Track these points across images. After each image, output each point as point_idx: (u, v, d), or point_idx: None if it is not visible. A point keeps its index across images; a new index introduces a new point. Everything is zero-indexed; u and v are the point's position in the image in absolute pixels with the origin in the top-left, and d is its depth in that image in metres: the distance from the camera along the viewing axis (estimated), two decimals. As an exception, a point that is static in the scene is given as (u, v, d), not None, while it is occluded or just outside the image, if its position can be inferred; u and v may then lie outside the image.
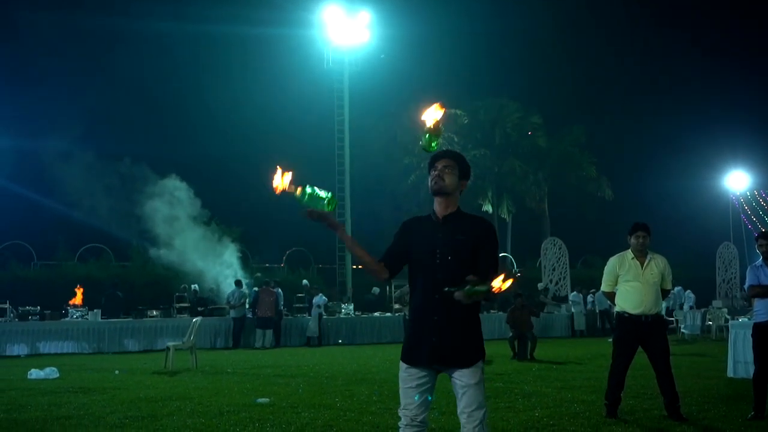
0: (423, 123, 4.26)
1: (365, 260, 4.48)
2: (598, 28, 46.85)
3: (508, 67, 43.03)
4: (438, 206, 4.34)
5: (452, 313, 4.14)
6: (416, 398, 4.18)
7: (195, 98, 36.95)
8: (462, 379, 4.14)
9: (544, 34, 44.93)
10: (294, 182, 4.27)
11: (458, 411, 4.18)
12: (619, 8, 47.58)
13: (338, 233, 4.60)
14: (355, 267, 28.96)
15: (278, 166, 4.24)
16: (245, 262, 24.96)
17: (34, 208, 28.15)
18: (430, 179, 4.34)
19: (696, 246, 35.86)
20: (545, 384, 11.22)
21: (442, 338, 4.17)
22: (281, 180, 4.24)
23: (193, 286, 22.39)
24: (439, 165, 4.30)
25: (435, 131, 4.24)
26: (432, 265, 4.22)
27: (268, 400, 9.51)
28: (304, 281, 24.53)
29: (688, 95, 47.19)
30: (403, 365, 4.27)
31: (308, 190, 4.29)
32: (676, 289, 24.50)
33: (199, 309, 21.41)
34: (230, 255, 24.38)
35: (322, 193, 4.33)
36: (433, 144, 4.25)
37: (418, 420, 4.17)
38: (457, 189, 4.34)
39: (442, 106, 4.29)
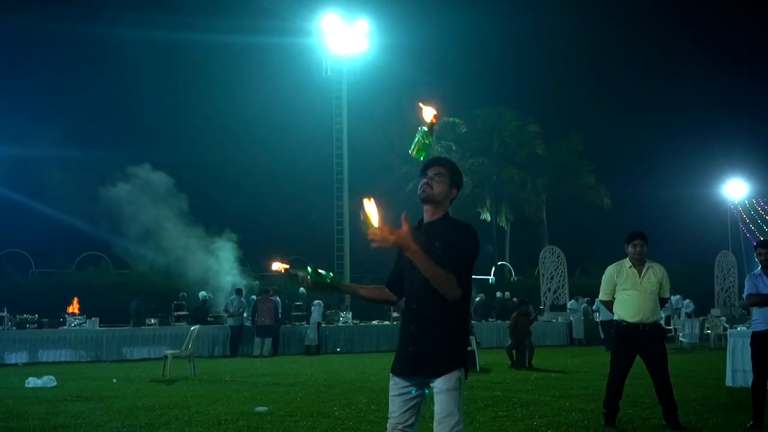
0: (425, 121, 4.13)
1: (370, 296, 4.61)
2: (597, 37, 46.93)
3: (506, 76, 43.14)
4: (425, 214, 4.25)
5: (428, 323, 4.07)
6: (413, 392, 4.12)
7: (194, 107, 37.03)
8: (436, 385, 4.04)
9: (541, 43, 45.06)
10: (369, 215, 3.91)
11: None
12: (617, 18, 47.71)
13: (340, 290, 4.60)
14: (353, 276, 28.96)
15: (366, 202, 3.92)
16: (243, 269, 24.94)
17: (32, 216, 28.13)
18: (419, 186, 4.26)
19: (694, 254, 35.91)
20: (543, 393, 11.22)
21: (417, 347, 4.10)
22: (369, 215, 3.89)
23: (201, 293, 22.35)
24: (430, 173, 4.21)
25: (429, 133, 4.14)
26: (411, 273, 4.14)
27: (266, 408, 9.50)
28: (301, 289, 24.49)
29: (686, 104, 47.34)
30: (390, 374, 4.27)
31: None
32: (674, 297, 24.49)
33: (209, 319, 21.41)
34: (228, 262, 24.35)
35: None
36: (422, 153, 4.12)
37: (399, 428, 4.12)
38: (447, 197, 4.23)
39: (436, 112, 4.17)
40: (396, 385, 4.17)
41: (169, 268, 24.46)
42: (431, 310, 4.06)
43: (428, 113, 4.14)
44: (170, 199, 24.10)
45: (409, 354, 4.13)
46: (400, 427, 4.12)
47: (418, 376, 4.12)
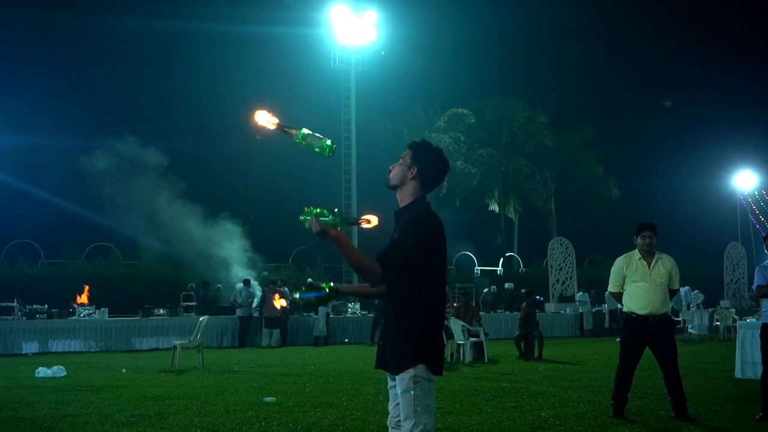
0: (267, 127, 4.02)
1: (371, 292, 4.36)
2: (605, 28, 46.72)
3: (515, 66, 42.95)
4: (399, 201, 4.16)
5: (388, 316, 4.01)
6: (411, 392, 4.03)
7: (201, 97, 36.97)
8: (396, 386, 3.97)
9: (550, 33, 44.89)
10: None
11: None
12: (626, 7, 47.47)
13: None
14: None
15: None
16: (251, 260, 24.96)
17: (40, 206, 28.19)
18: None
19: (703, 246, 35.79)
20: (552, 384, 11.22)
21: (384, 342, 4.08)
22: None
23: (218, 285, 22.41)
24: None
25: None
26: None
27: (274, 399, 9.53)
28: (309, 280, 24.48)
29: (695, 94, 47.10)
30: None
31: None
32: (683, 289, 24.43)
33: (227, 305, 21.46)
34: (236, 253, 24.39)
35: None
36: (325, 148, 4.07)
37: (393, 422, 4.08)
38: (406, 179, 4.08)
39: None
40: (388, 380, 4.15)
41: (177, 258, 24.54)
42: (390, 304, 3.99)
43: (268, 121, 4.03)
44: (173, 187, 24.18)
45: (379, 347, 4.12)
46: (393, 421, 4.08)
47: (384, 370, 4.08)
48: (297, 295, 4.23)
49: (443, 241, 4.03)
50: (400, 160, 4.13)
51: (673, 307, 23.27)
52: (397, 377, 3.93)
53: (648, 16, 49.58)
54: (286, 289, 21.55)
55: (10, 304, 18.95)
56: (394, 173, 4.11)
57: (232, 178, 35.82)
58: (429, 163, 4.10)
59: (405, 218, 4.00)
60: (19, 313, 18.95)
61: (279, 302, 4.15)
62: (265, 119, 4.02)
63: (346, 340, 21.76)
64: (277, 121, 4.04)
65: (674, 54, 49.96)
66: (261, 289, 21.92)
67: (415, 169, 4.06)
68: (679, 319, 23.44)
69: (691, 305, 25.56)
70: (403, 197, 4.10)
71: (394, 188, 4.13)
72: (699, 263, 32.67)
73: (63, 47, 36.50)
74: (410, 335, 3.93)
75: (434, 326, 3.99)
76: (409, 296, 3.93)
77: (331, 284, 4.21)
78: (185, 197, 24.56)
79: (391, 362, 3.99)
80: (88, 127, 30.49)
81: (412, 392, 3.87)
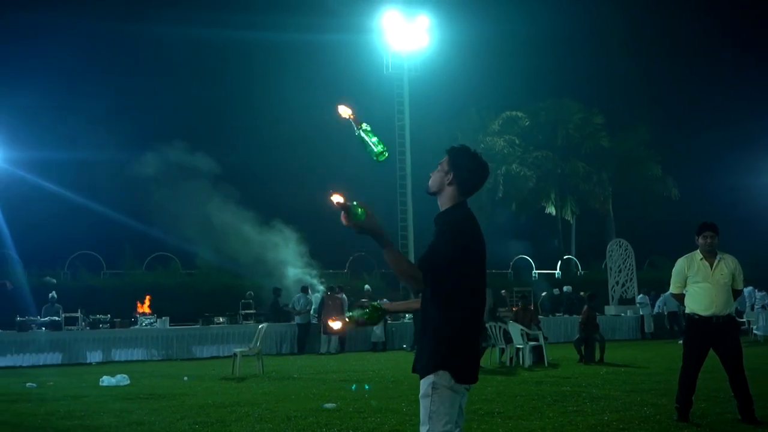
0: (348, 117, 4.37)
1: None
2: (661, 26, 46.02)
3: (569, 68, 42.51)
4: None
5: (422, 323, 4.00)
6: None
7: (255, 105, 37.33)
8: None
9: (605, 33, 44.31)
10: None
11: None
12: (681, 5, 46.71)
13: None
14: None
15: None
16: (309, 266, 25.11)
17: (101, 218, 28.71)
18: None
19: (767, 244, 34.97)
20: (614, 387, 11.08)
21: (418, 346, 4.10)
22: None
23: (274, 287, 22.61)
24: None
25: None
26: None
27: (334, 405, 9.57)
28: (366, 286, 24.54)
29: (755, 90, 46.06)
30: None
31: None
32: (746, 289, 23.89)
33: (289, 310, 21.54)
34: (294, 259, 24.54)
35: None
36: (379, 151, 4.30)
37: None
38: (443, 185, 4.07)
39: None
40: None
41: (235, 267, 24.78)
42: (424, 310, 3.99)
43: (345, 111, 4.35)
44: (226, 195, 24.45)
45: (417, 352, 4.13)
46: None
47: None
48: (350, 314, 4.31)
49: (481, 247, 3.97)
50: (439, 167, 4.14)
51: (737, 308, 22.92)
52: (421, 381, 3.92)
53: (704, 12, 48.72)
54: (344, 295, 21.66)
55: (74, 314, 19.34)
56: (433, 180, 4.14)
57: (286, 186, 36.03)
58: (465, 167, 4.09)
59: (441, 223, 4.00)
60: (83, 323, 19.34)
61: (334, 324, 4.11)
62: (344, 110, 4.39)
63: (404, 346, 21.74)
64: (350, 113, 4.36)
65: (731, 50, 48.99)
66: (316, 296, 22.08)
67: (451, 175, 4.06)
68: (743, 320, 22.97)
69: (755, 306, 24.99)
70: (443, 203, 4.09)
71: (434, 195, 4.14)
72: (763, 263, 31.88)
73: (117, 60, 37.18)
74: (439, 341, 3.89)
75: (466, 334, 3.92)
76: (442, 302, 3.89)
77: (376, 303, 4.37)
78: (239, 204, 24.84)
79: (417, 365, 4.00)
80: (145, 140, 30.97)
81: (428, 398, 3.83)
